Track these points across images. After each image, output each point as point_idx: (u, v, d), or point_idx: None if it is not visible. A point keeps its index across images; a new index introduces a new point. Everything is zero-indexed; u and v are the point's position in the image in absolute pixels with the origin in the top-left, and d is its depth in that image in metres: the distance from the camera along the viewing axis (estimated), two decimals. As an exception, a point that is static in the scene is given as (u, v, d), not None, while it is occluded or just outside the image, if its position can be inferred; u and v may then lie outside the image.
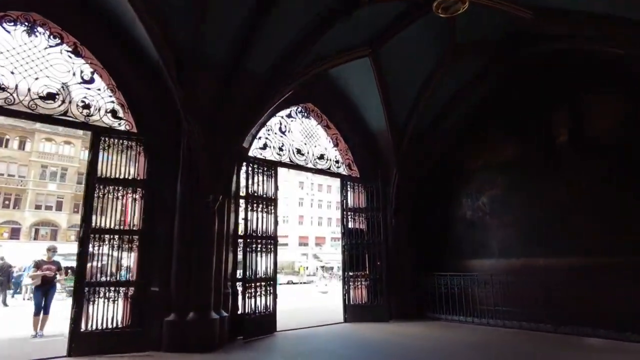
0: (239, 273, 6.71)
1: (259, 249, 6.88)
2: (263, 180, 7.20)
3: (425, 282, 8.66)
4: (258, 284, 6.75)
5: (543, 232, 7.71)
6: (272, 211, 7.25)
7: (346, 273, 8.35)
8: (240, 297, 6.52)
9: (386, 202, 8.86)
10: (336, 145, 8.77)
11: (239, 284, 6.55)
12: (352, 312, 8.17)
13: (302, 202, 61.21)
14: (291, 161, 7.83)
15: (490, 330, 7.33)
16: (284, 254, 53.77)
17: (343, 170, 8.86)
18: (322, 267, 47.78)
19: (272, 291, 6.93)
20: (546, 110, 8.01)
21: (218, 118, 6.16)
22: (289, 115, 8.03)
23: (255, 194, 7.02)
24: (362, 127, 9.05)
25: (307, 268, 43.71)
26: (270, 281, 6.96)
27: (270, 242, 7.07)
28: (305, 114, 8.35)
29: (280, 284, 36.40)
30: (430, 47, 7.63)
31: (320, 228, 62.51)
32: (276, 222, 7.29)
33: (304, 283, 39.19)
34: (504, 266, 7.98)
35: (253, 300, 6.63)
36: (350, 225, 8.60)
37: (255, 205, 6.97)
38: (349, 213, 8.60)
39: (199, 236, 5.81)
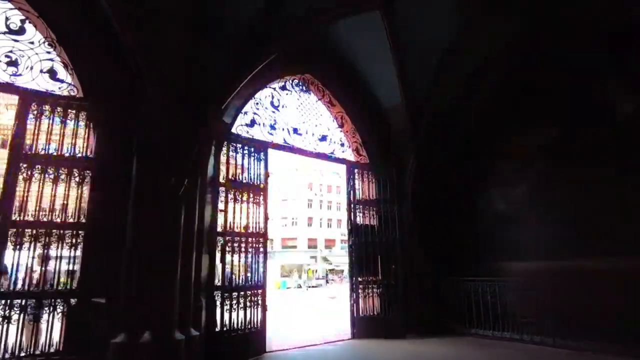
0: (218, 280, 5.32)
1: (243, 249, 5.50)
2: (250, 164, 5.83)
3: (449, 288, 7.17)
4: (242, 293, 5.37)
5: (598, 228, 6.17)
6: (261, 202, 5.87)
7: (354, 278, 6.91)
8: (218, 311, 5.14)
9: (402, 193, 7.41)
10: (341, 125, 7.35)
11: (217, 293, 5.16)
12: (362, 326, 6.71)
13: (311, 204, 59.88)
14: (285, 142, 6.43)
15: (535, 351, 5.82)
16: (293, 257, 52.50)
17: (349, 155, 7.44)
18: (332, 270, 46.24)
19: (260, 302, 5.53)
20: (599, 82, 6.49)
21: (187, 80, 4.80)
22: (284, 88, 6.64)
23: (240, 181, 5.64)
24: (373, 103, 7.62)
25: (315, 271, 42.22)
26: (258, 290, 5.56)
27: (258, 240, 5.68)
28: (304, 88, 6.95)
29: (288, 288, 35.15)
30: (456, 3, 6.22)
31: (330, 230, 61.08)
32: (266, 216, 5.90)
33: (313, 287, 37.74)
34: (547, 269, 6.43)
35: (236, 314, 5.25)
36: (358, 220, 7.17)
37: (239, 194, 5.59)
38: (357, 206, 7.16)
39: (159, 232, 4.44)
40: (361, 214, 7.19)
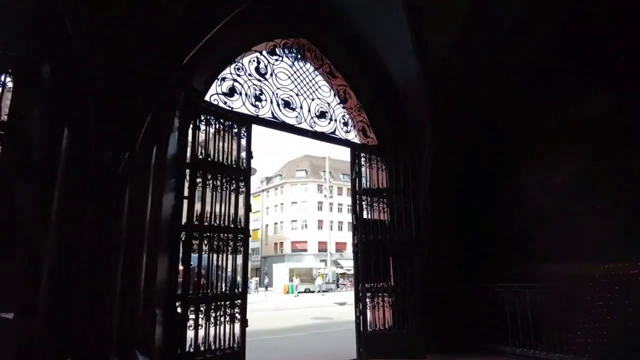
0: (183, 286, 4.13)
1: (216, 246, 4.31)
2: (227, 141, 4.65)
3: (477, 297, 5.87)
4: (215, 304, 4.17)
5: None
6: (242, 189, 4.68)
7: (360, 285, 5.64)
8: (182, 327, 3.95)
9: (418, 182, 6.15)
10: (344, 100, 6.12)
11: (180, 304, 3.97)
12: (371, 344, 5.42)
13: (322, 206, 58.68)
14: (274, 117, 5.24)
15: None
16: (303, 260, 51.23)
17: (354, 136, 6.21)
18: (343, 274, 44.82)
19: (238, 316, 4.33)
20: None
21: (135, 29, 3.68)
22: (273, 52, 5.46)
23: (213, 161, 4.46)
24: (383, 77, 6.40)
25: (326, 275, 40.89)
26: (236, 300, 4.36)
27: (236, 237, 4.49)
28: (298, 54, 5.76)
29: (298, 293, 33.88)
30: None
31: (341, 233, 59.74)
32: (248, 207, 4.71)
33: (323, 291, 36.42)
34: (599, 273, 5.11)
35: (205, 330, 4.06)
36: (365, 214, 5.92)
37: (212, 178, 4.42)
38: (363, 197, 5.91)
39: (89, 224, 3.30)
40: (369, 207, 5.94)
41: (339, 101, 6.09)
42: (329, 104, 5.91)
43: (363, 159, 6.03)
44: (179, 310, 3.93)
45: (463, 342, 5.76)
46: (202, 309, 4.06)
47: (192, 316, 4.00)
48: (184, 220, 4.13)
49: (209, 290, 4.17)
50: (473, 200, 6.46)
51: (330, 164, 56.25)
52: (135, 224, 3.61)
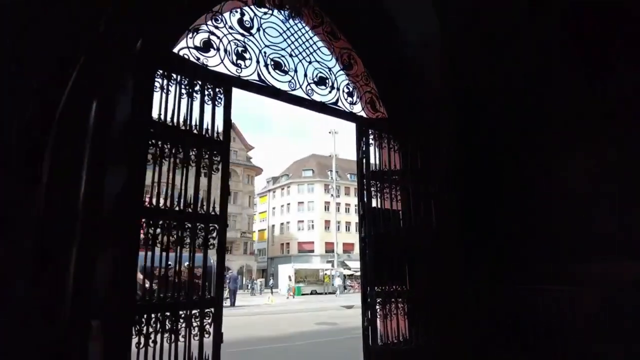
0: (136, 291, 3.14)
1: (178, 238, 3.30)
2: (199, 106, 3.66)
3: (514, 302, 4.79)
4: (177, 314, 3.17)
5: None
6: (217, 165, 3.68)
7: (369, 288, 4.59)
8: (135, 342, 2.96)
9: (438, 164, 5.12)
10: (348, 66, 5.09)
11: (125, 314, 2.98)
12: (382, 361, 4.40)
13: (328, 207, 57.66)
14: (262, 80, 4.22)
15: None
16: (310, 261, 50.23)
17: (361, 109, 5.17)
18: (351, 275, 43.67)
19: (211, 329, 3.32)
20: None
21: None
22: (261, 4, 4.46)
23: (176, 128, 3.47)
24: (395, 40, 5.39)
25: (332, 277, 39.81)
26: (207, 308, 3.35)
27: (208, 227, 3.48)
28: (292, 9, 4.75)
29: (304, 294, 32.91)
30: None
31: (348, 234, 58.66)
32: (225, 189, 3.70)
33: (330, 293, 35.39)
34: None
35: (159, 348, 3.06)
36: (375, 203, 4.89)
37: (173, 149, 3.42)
38: (371, 182, 4.88)
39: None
40: (378, 194, 4.90)
41: (342, 67, 5.07)
42: (329, 69, 4.89)
43: (372, 137, 4.99)
44: (125, 322, 2.93)
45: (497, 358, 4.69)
46: (159, 319, 3.06)
47: (146, 328, 3.00)
48: (135, 205, 3.12)
49: (167, 296, 3.17)
50: (504, 185, 5.35)
51: (337, 163, 55.20)
52: (60, 208, 2.63)
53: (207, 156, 3.59)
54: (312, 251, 56.39)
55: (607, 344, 3.93)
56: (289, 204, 60.73)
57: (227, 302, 19.63)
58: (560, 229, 4.58)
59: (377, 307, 4.50)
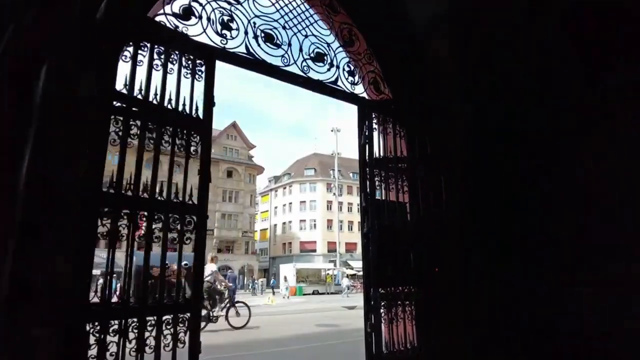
0: (96, 292, 2.65)
1: (148, 230, 2.81)
2: (175, 79, 3.16)
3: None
4: (142, 320, 2.67)
5: None
6: (197, 149, 3.19)
7: (372, 289, 4.07)
8: (91, 354, 2.46)
9: (449, 150, 4.61)
10: (349, 43, 4.58)
11: (90, 325, 2.48)
12: (386, 372, 3.89)
13: (331, 206, 57.20)
14: (251, 52, 3.71)
15: None
16: (312, 260, 49.74)
17: (363, 91, 4.67)
18: (353, 275, 43.13)
19: (185, 335, 2.82)
20: None
21: None
22: (249, -31, 3.96)
23: (147, 102, 2.97)
24: (401, 14, 4.88)
25: (335, 277, 39.34)
26: (181, 312, 2.85)
27: (184, 219, 2.97)
28: (286, -23, 4.24)
29: (305, 294, 32.41)
30: None
31: (350, 233, 58.15)
32: (206, 177, 3.20)
33: (332, 293, 34.89)
34: None
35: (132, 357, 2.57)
36: (379, 194, 4.37)
37: (144, 126, 2.92)
38: (375, 171, 4.36)
39: None
40: (383, 184, 4.39)
41: (342, 43, 4.55)
42: (328, 45, 4.37)
43: (375, 121, 4.48)
44: (91, 328, 2.43)
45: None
46: (122, 328, 2.56)
47: (108, 340, 2.50)
48: (93, 191, 2.62)
49: (133, 300, 2.67)
50: (519, 177, 4.81)
51: (339, 162, 54.72)
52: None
53: (183, 137, 3.09)
54: (314, 251, 55.89)
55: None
56: (291, 203, 60.26)
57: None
58: (561, 229, 4.07)
59: (382, 310, 3.98)
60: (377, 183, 4.33)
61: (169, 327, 2.75)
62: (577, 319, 3.72)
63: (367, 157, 4.34)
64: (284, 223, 60.98)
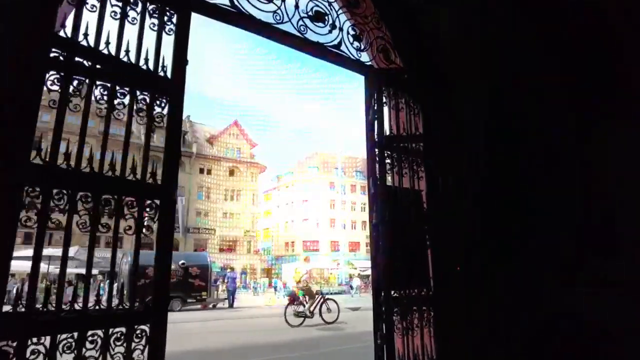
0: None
1: (92, 215, 2.15)
2: (138, 29, 2.51)
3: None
4: (84, 335, 2.02)
5: None
6: (163, 116, 2.52)
7: (384, 293, 3.39)
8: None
9: (470, 130, 3.93)
10: (354, 4, 3.91)
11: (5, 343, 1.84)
12: (401, 391, 3.22)
13: (334, 204, 56.55)
14: (234, 5, 3.06)
15: None
16: (315, 260, 49.01)
17: (370, 59, 3.99)
18: (358, 275, 42.44)
19: (144, 354, 2.17)
20: None
21: None
22: None
23: (97, 51, 2.32)
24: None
25: (338, 276, 38.68)
26: (136, 322, 2.19)
27: (142, 203, 2.31)
28: None
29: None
30: None
31: (354, 232, 57.50)
32: (175, 150, 2.53)
33: (335, 293, 34.14)
34: None
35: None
36: (390, 180, 3.70)
37: (91, 81, 2.27)
38: (385, 153, 3.68)
39: None
40: (395, 169, 3.71)
41: (345, 3, 3.88)
42: (329, 4, 3.70)
43: (384, 93, 3.80)
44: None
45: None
46: (55, 345, 1.90)
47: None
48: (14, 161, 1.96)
49: (72, 309, 2.01)
50: (549, 158, 4.12)
51: (342, 160, 54.03)
52: None
53: (145, 99, 2.43)
54: (317, 250, 55.24)
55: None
56: (293, 202, 59.63)
57: (225, 304, 18.58)
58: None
59: (395, 318, 3.31)
60: (388, 167, 3.66)
61: (119, 342, 2.09)
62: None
63: (376, 136, 3.66)
64: (286, 222, 60.38)
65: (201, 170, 46.21)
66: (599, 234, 3.46)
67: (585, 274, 3.39)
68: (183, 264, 16.06)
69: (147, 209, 2.32)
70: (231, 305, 17.95)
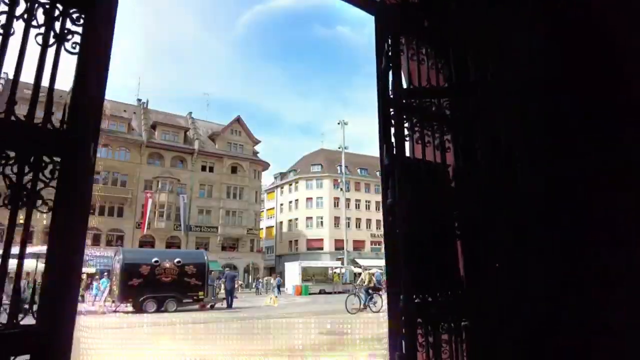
0: None
1: None
2: None
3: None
4: None
5: None
6: (71, 36, 1.68)
7: (403, 298, 2.53)
8: None
9: (506, 85, 3.05)
10: None
11: None
12: None
13: (338, 203, 55.68)
14: None
15: None
16: (319, 258, 48.17)
17: (382, -4, 3.13)
18: (360, 274, 41.55)
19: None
20: None
21: None
22: None
23: None
24: None
25: (342, 276, 37.86)
26: (23, 346, 1.36)
27: (41, 158, 1.48)
28: None
29: (311, 294, 30.93)
30: None
31: (358, 231, 56.63)
32: (81, 85, 1.69)
33: (339, 292, 33.33)
34: None
35: None
36: (409, 149, 2.82)
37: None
38: (403, 114, 2.82)
39: None
40: (416, 135, 2.84)
41: None
42: None
43: (404, 41, 2.92)
44: None
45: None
46: None
47: None
48: None
49: None
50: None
51: (346, 157, 53.22)
52: None
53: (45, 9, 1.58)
54: (321, 248, 54.42)
55: None
56: (297, 200, 58.82)
57: (224, 304, 17.77)
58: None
59: (418, 331, 2.44)
60: (406, 132, 2.79)
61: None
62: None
63: (390, 92, 2.80)
64: (290, 220, 59.58)
65: (203, 168, 45.52)
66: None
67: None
68: (179, 262, 15.29)
69: (44, 168, 1.47)
70: (229, 306, 17.06)
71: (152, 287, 14.66)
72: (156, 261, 15.01)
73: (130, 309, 14.77)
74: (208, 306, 16.75)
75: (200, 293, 15.74)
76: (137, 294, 14.46)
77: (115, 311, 14.32)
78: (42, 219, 1.78)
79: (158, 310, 14.44)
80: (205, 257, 16.42)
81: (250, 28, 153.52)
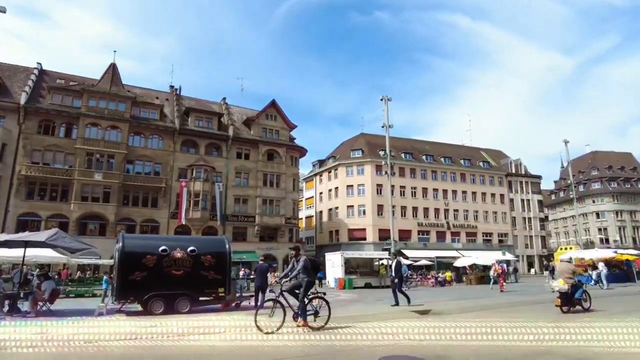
0: None
1: None
2: None
3: None
4: None
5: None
6: None
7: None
8: None
9: None
10: None
11: None
12: None
13: (381, 190, 51.86)
14: None
15: None
16: (362, 249, 44.81)
17: None
18: (408, 265, 37.73)
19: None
20: None
21: None
22: None
23: None
24: None
25: (388, 267, 34.12)
26: None
27: None
28: None
29: (356, 288, 27.57)
30: None
31: (404, 220, 52.59)
32: None
33: (387, 287, 29.77)
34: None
35: None
36: None
37: None
38: None
39: None
40: None
41: None
42: None
43: None
44: None
45: None
46: None
47: None
48: None
49: None
50: None
51: (389, 141, 48.77)
52: None
53: None
54: (364, 239, 50.96)
55: None
56: (336, 188, 55.56)
57: (251, 302, 14.39)
58: None
59: None
60: None
61: None
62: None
63: None
64: (330, 210, 56.53)
65: (238, 155, 43.39)
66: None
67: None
68: (193, 251, 12.23)
69: None
70: (257, 305, 13.58)
71: (160, 283, 11.59)
72: (164, 250, 11.86)
73: (139, 307, 12.12)
74: (233, 304, 13.74)
75: (221, 290, 12.48)
76: (140, 290, 11.49)
77: (119, 311, 11.72)
78: None
79: (167, 312, 11.50)
80: (227, 245, 12.84)
81: (287, 19, 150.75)
